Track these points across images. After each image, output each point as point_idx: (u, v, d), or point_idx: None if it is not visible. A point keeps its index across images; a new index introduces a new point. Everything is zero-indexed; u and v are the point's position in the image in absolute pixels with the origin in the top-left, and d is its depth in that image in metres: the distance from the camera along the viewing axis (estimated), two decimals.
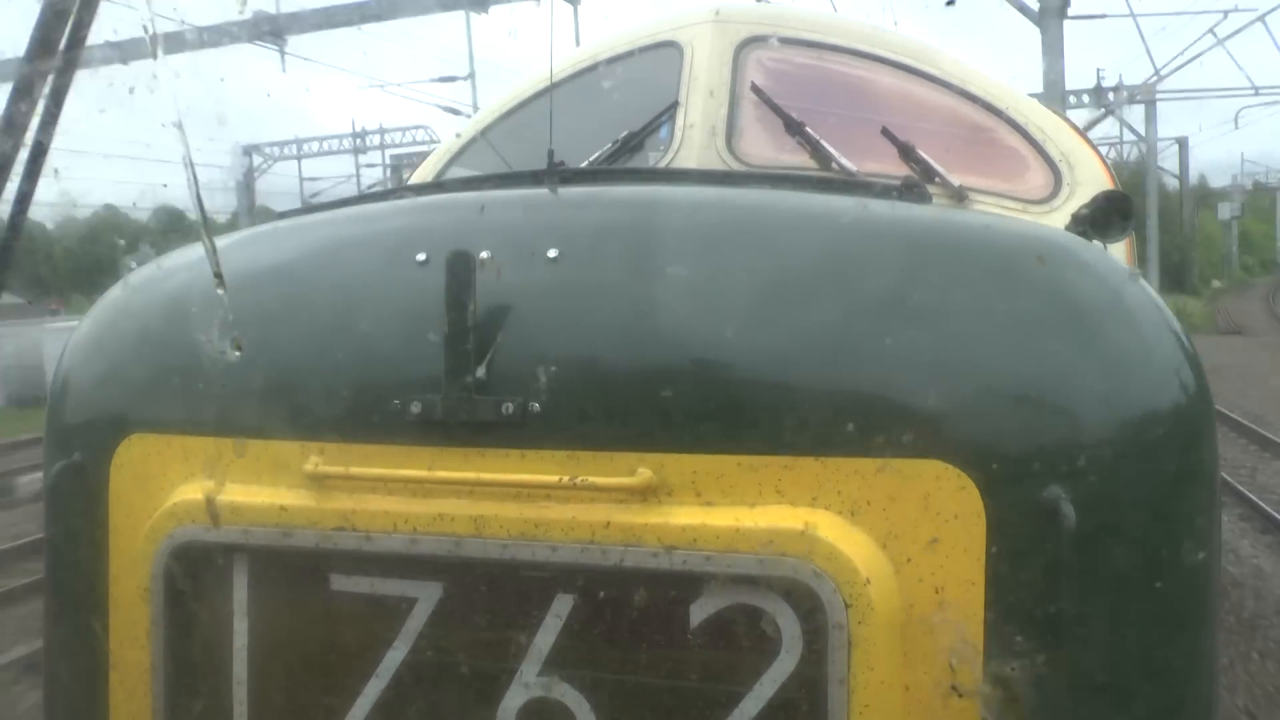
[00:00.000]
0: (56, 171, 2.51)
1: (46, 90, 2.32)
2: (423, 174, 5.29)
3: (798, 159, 4.19)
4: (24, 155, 2.39)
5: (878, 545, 2.31)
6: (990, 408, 2.36)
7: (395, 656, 2.53)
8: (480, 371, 2.49)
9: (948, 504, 2.29)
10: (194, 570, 2.68)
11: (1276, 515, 14.88)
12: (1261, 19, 35.29)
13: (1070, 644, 2.30)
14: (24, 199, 2.46)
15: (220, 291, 2.94)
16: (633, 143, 4.30)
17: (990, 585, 2.28)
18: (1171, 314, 2.61)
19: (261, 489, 2.65)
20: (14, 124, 2.32)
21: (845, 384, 2.40)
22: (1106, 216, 3.21)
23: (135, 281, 3.18)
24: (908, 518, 2.31)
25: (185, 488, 2.72)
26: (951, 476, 2.29)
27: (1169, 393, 2.50)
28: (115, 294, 3.19)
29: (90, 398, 3.04)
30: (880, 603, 2.26)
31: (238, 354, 2.69)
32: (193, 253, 3.22)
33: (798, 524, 2.30)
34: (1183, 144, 73.83)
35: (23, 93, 2.31)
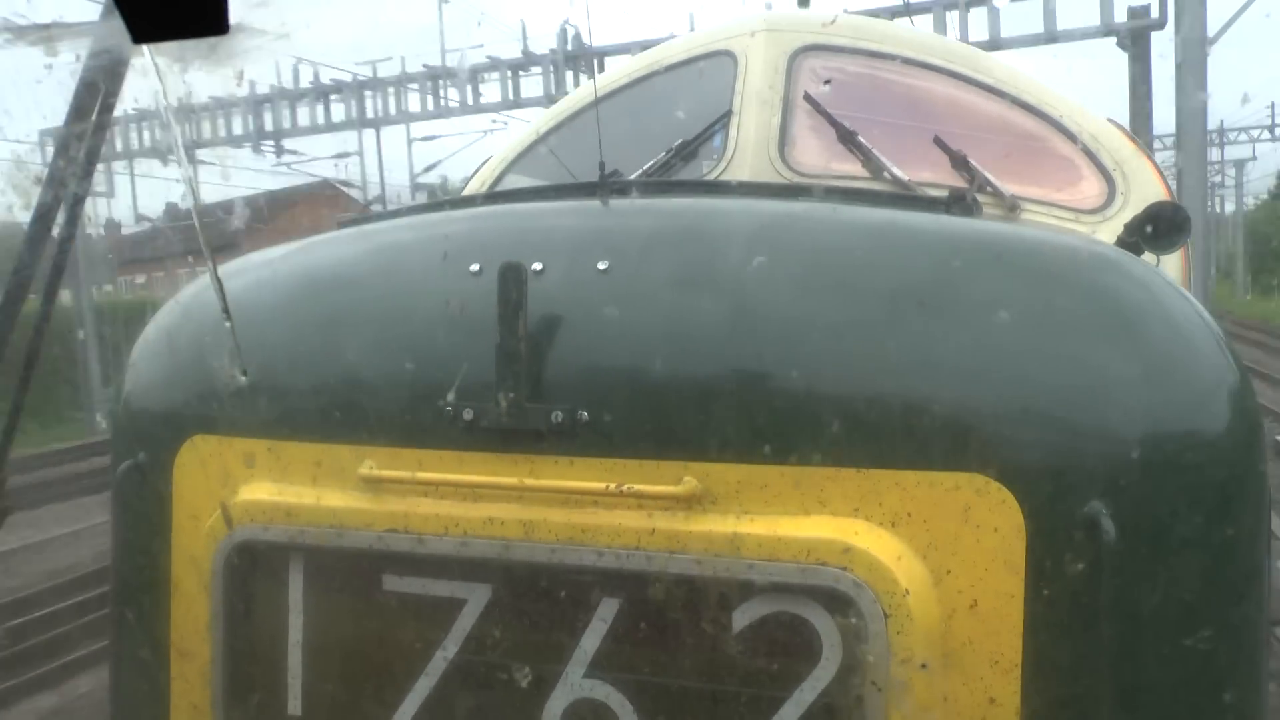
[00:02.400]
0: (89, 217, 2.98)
1: (83, 150, 2.81)
2: (480, 180, 5.38)
3: (850, 168, 4.20)
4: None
5: (918, 556, 2.33)
6: (1032, 421, 2.36)
7: (444, 656, 2.60)
8: (531, 380, 2.55)
9: (988, 517, 2.31)
10: (252, 568, 2.78)
11: None
12: None
13: (1109, 658, 2.30)
14: (66, 241, 2.92)
15: (279, 297, 3.04)
16: (686, 151, 4.34)
17: (1029, 598, 2.29)
18: (1219, 328, 2.58)
19: (317, 491, 2.74)
20: (55, 178, 2.76)
21: (888, 397, 2.42)
22: (1158, 228, 3.19)
23: (198, 285, 3.29)
24: (948, 530, 2.33)
25: (244, 488, 2.81)
26: (992, 490, 2.30)
27: (1214, 408, 2.48)
28: (180, 297, 3.30)
29: (154, 399, 3.16)
30: (919, 613, 2.28)
31: (291, 361, 2.80)
32: (254, 257, 3.32)
33: (839, 534, 2.33)
34: None
35: (62, 152, 2.76)
